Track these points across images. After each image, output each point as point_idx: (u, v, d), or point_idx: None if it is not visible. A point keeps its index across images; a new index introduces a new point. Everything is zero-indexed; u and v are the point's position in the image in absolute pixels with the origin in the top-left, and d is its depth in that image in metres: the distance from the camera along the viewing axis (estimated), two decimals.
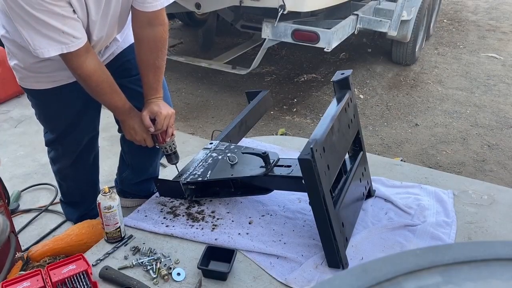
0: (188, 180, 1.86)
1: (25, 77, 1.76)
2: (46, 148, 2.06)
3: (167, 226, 1.78)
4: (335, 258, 1.55)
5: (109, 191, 1.65)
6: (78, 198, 2.20)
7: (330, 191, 1.53)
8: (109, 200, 1.64)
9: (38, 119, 1.93)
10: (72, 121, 1.87)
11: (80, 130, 1.92)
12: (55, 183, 2.29)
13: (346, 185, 1.69)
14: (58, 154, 2.02)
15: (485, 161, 3.32)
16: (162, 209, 1.88)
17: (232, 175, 1.79)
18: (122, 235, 1.72)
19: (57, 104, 1.82)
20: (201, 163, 1.92)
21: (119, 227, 1.69)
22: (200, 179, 1.84)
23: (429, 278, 0.50)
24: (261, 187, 1.82)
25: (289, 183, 1.72)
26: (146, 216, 1.84)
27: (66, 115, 1.86)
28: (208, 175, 1.84)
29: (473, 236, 1.79)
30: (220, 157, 1.92)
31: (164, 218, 1.83)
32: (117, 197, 1.68)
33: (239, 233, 1.73)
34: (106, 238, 1.71)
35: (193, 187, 1.89)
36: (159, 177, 2.13)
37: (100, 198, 1.65)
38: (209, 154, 1.97)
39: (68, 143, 1.95)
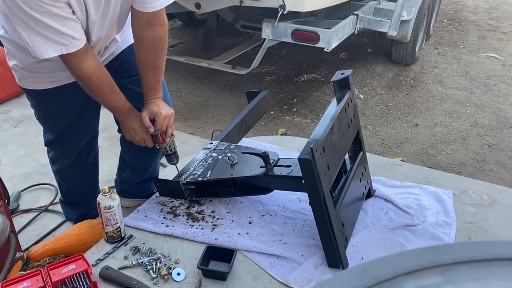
0: (188, 180, 1.86)
1: (24, 77, 1.76)
2: (46, 148, 2.06)
3: (167, 226, 1.78)
4: (335, 258, 1.55)
5: (109, 191, 1.65)
6: (78, 198, 2.20)
7: (330, 191, 1.53)
8: (109, 200, 1.64)
9: (38, 119, 1.93)
10: (72, 121, 1.87)
11: (80, 130, 1.92)
12: (55, 183, 2.29)
13: (346, 185, 1.69)
14: (58, 154, 2.02)
15: (485, 161, 3.32)
16: (162, 209, 1.88)
17: (232, 175, 1.79)
18: (122, 235, 1.72)
19: (56, 104, 1.82)
20: (201, 163, 1.92)
21: (119, 227, 1.69)
22: (200, 179, 1.84)
23: (429, 278, 0.50)
24: (261, 187, 1.81)
25: (289, 183, 1.72)
26: (146, 216, 1.84)
27: (66, 115, 1.86)
28: (208, 175, 1.84)
29: (473, 236, 1.79)
30: (220, 157, 1.92)
31: (164, 218, 1.83)
32: (117, 197, 1.68)
33: (239, 233, 1.73)
34: (106, 238, 1.71)
35: (193, 187, 1.89)
36: (159, 177, 2.13)
37: (100, 198, 1.65)
38: (209, 154, 1.97)
39: (67, 143, 1.95)
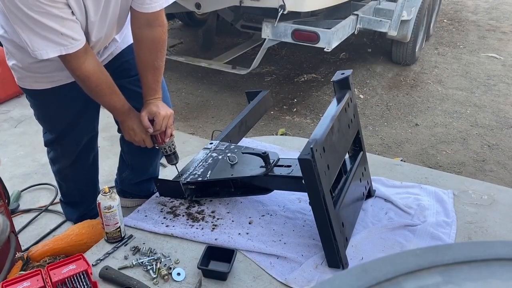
0: (188, 180, 1.86)
1: (24, 77, 1.75)
2: (46, 148, 2.06)
3: (167, 226, 1.78)
4: (335, 258, 1.54)
5: (109, 191, 1.65)
6: (78, 198, 2.20)
7: (330, 191, 1.53)
8: (109, 200, 1.64)
9: (37, 119, 1.93)
10: (71, 121, 1.87)
11: (79, 130, 1.92)
12: (55, 183, 2.29)
13: (346, 185, 1.69)
14: (58, 155, 2.02)
15: (485, 161, 3.32)
16: (162, 209, 1.88)
17: (232, 175, 1.79)
18: (122, 235, 1.72)
19: (56, 104, 1.82)
20: (201, 163, 1.92)
21: (119, 227, 1.69)
22: (200, 179, 1.84)
23: (429, 278, 0.50)
24: (261, 187, 1.81)
25: (289, 183, 1.72)
26: (146, 216, 1.84)
27: (65, 115, 1.86)
28: (208, 175, 1.84)
29: (473, 236, 1.79)
30: (220, 157, 1.92)
31: (164, 218, 1.82)
32: (117, 197, 1.68)
33: (239, 233, 1.73)
34: (106, 238, 1.71)
35: (193, 187, 1.89)
36: (159, 177, 2.13)
37: (100, 198, 1.65)
38: (209, 154, 1.97)
39: (67, 143, 1.95)
